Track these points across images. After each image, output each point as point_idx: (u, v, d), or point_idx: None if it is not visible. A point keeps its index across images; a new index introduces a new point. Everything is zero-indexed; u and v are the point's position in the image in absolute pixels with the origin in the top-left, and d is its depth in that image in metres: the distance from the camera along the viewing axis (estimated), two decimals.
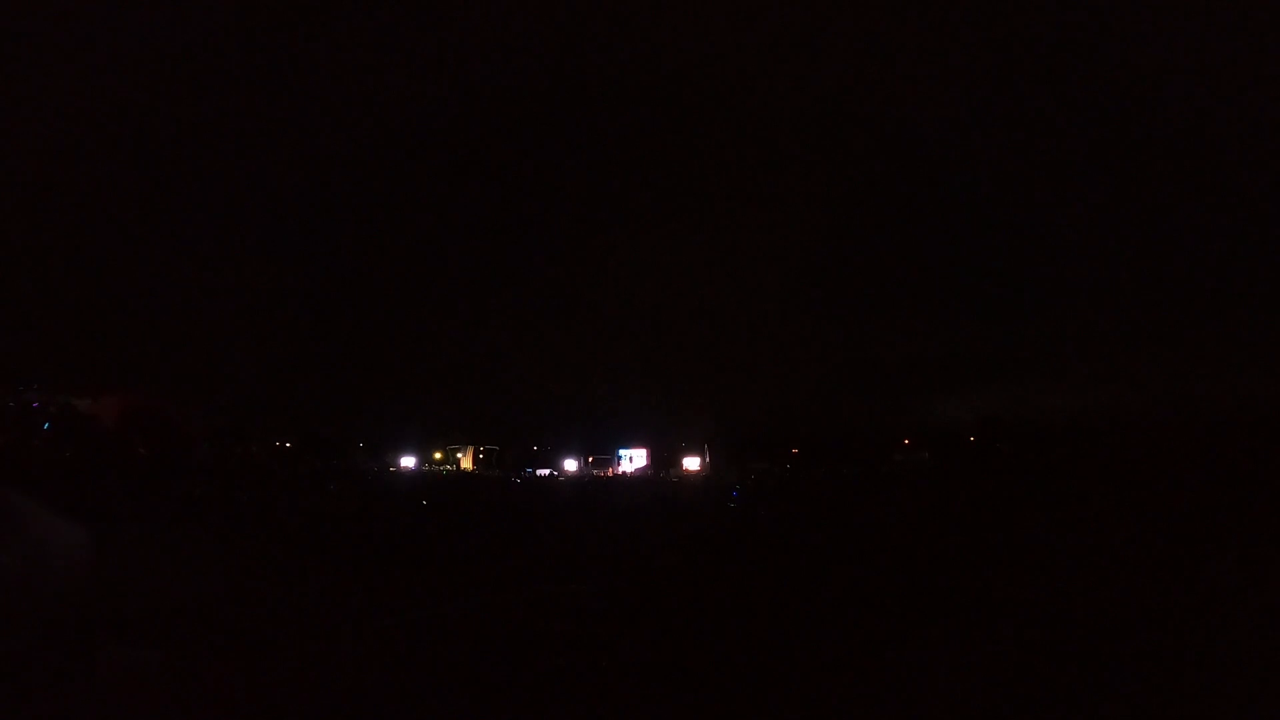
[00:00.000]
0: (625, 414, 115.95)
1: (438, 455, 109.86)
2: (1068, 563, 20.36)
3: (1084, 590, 16.58)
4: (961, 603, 16.40)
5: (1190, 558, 18.42)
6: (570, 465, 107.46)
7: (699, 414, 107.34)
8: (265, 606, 11.78)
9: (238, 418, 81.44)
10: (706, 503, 58.50)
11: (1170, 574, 17.16)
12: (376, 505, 44.16)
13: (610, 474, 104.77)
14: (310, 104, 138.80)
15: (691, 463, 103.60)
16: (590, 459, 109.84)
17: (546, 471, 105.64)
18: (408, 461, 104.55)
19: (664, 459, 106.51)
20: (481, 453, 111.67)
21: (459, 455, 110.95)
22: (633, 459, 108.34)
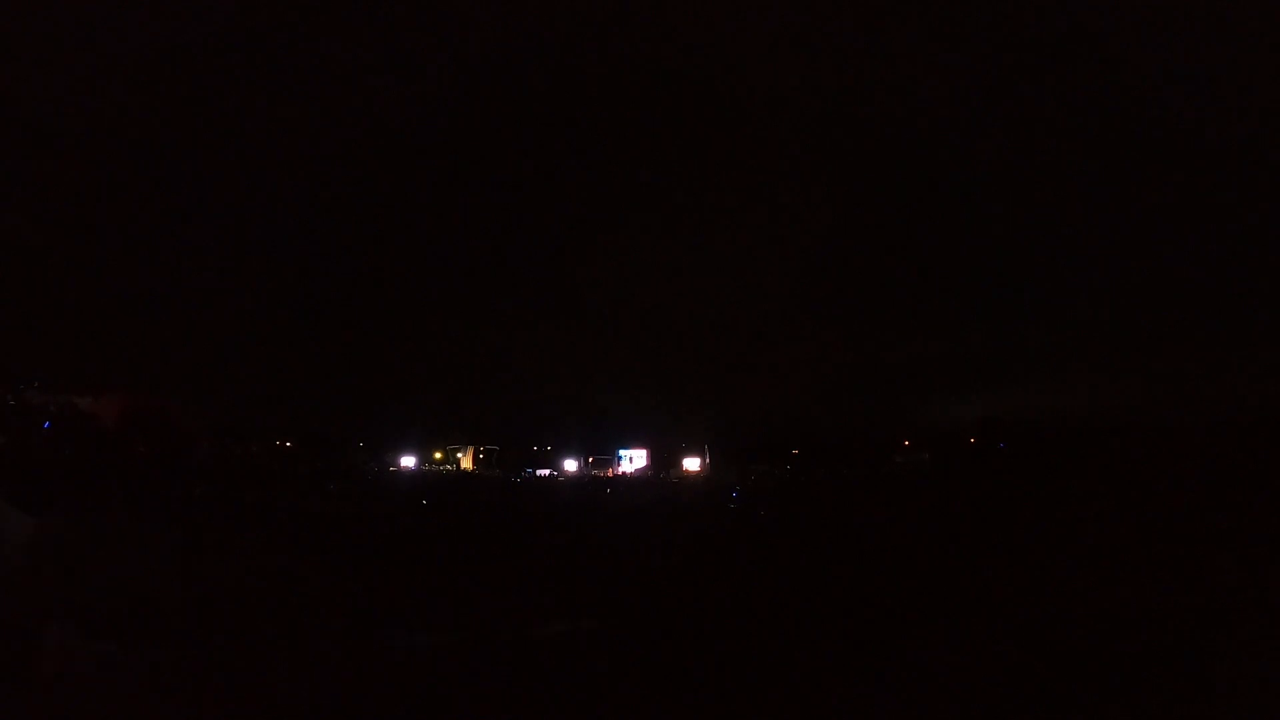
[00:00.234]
0: (625, 414, 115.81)
1: (438, 455, 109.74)
2: (1067, 563, 20.38)
3: (1084, 590, 16.59)
4: (961, 603, 16.42)
5: (1190, 558, 18.42)
6: (570, 465, 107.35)
7: (699, 415, 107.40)
8: (252, 604, 11.78)
9: (238, 417, 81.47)
10: (707, 503, 58.56)
11: (1170, 574, 17.16)
12: (376, 505, 44.20)
13: (610, 474, 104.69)
14: (310, 104, 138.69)
15: (692, 463, 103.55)
16: (590, 459, 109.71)
17: (546, 472, 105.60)
18: (408, 461, 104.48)
19: (664, 459, 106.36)
20: (481, 453, 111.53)
21: (459, 455, 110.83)
22: (633, 459, 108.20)
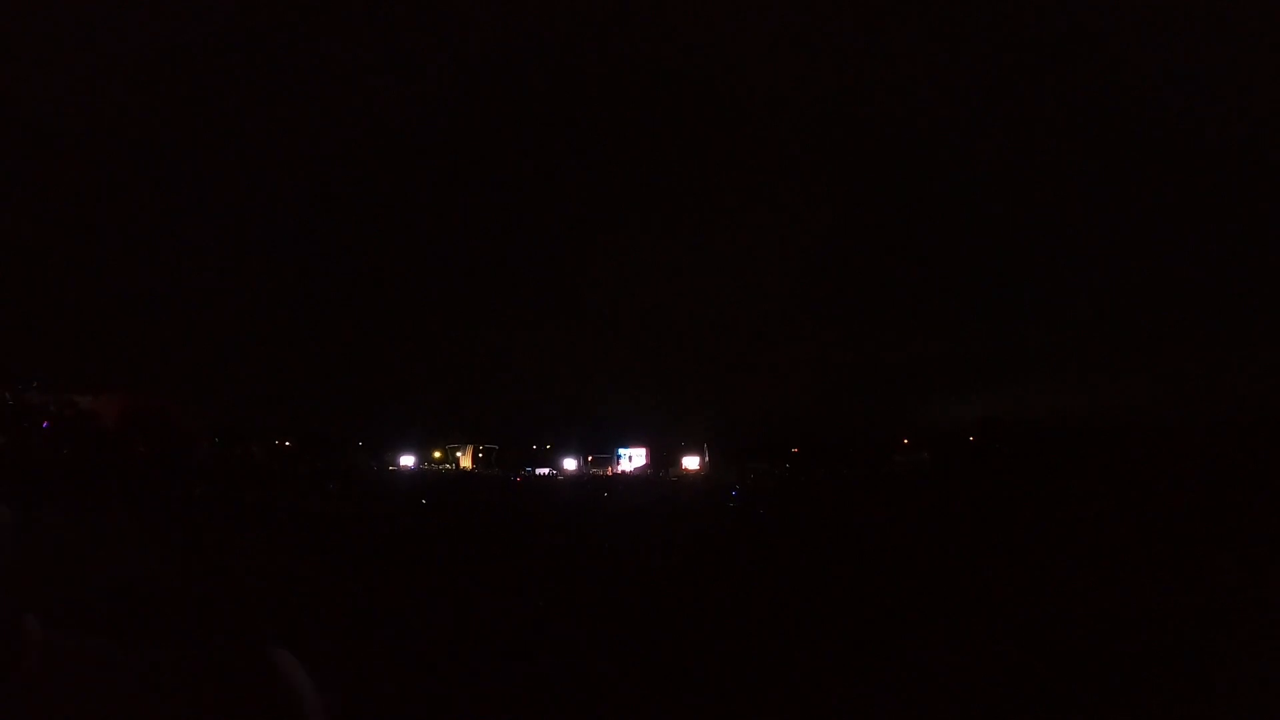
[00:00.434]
0: (625, 413, 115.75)
1: (437, 454, 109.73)
2: (1067, 563, 20.38)
3: (1084, 590, 16.59)
4: (961, 603, 16.42)
5: (1190, 558, 18.43)
6: (570, 464, 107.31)
7: (698, 414, 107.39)
8: (250, 602, 11.79)
9: (238, 417, 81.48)
10: (706, 502, 58.52)
11: (1170, 574, 17.17)
12: (376, 505, 44.17)
13: (610, 473, 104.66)
14: (311, 104, 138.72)
15: (691, 462, 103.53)
16: (590, 458, 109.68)
17: (546, 470, 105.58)
18: (407, 460, 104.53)
19: (663, 458, 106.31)
20: (481, 452, 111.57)
21: (458, 454, 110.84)
22: (632, 458, 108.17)
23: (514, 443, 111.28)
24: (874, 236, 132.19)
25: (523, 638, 12.76)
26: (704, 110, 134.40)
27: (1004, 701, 10.04)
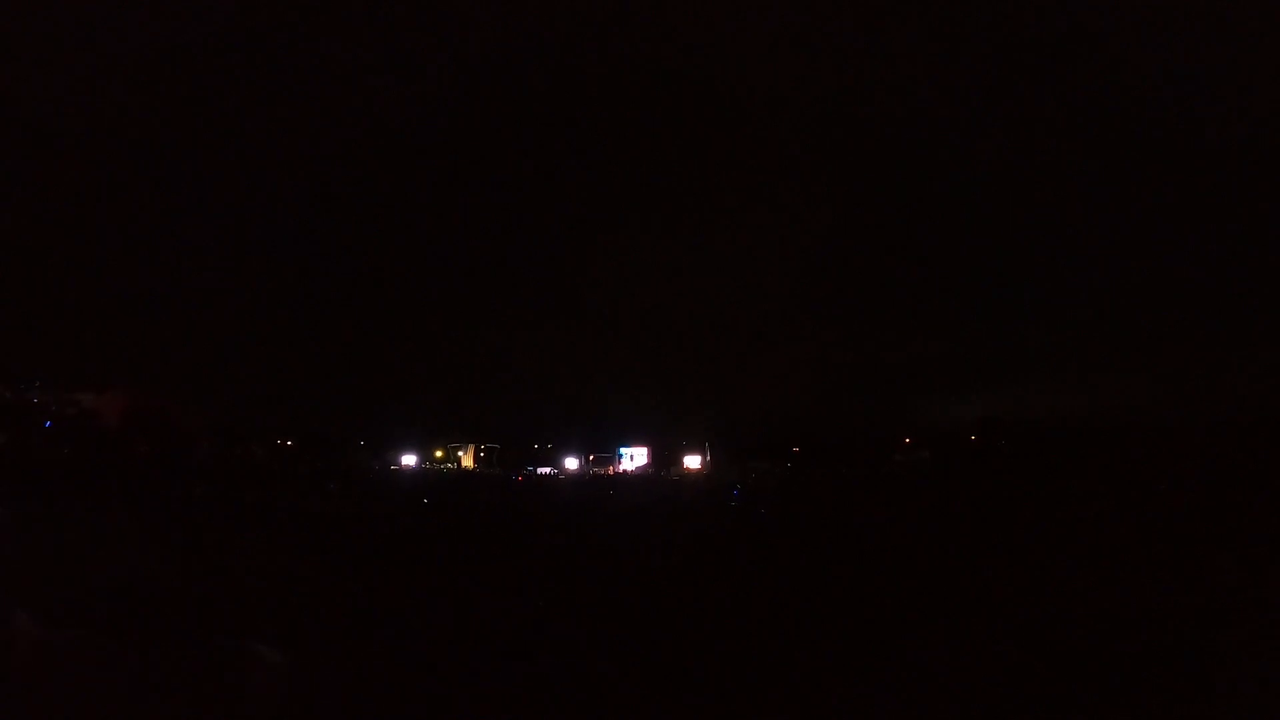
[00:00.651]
0: (626, 413, 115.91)
1: (439, 453, 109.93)
2: (1067, 563, 20.37)
3: (1084, 590, 16.59)
4: (961, 603, 16.41)
5: (1190, 558, 18.43)
6: (571, 463, 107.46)
7: (700, 413, 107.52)
8: (250, 602, 11.81)
9: (239, 417, 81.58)
10: (708, 502, 58.48)
11: (1170, 574, 17.17)
12: (377, 504, 44.14)
13: (611, 472, 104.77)
14: (311, 104, 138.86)
15: (692, 461, 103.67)
16: (591, 457, 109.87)
17: (548, 470, 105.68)
18: (409, 460, 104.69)
19: (665, 457, 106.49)
20: (482, 451, 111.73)
21: (460, 454, 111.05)
22: (634, 457, 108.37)
23: (516, 442, 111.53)
24: (874, 236, 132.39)
25: (523, 638, 12.75)
26: (704, 110, 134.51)
27: (1004, 701, 10.04)
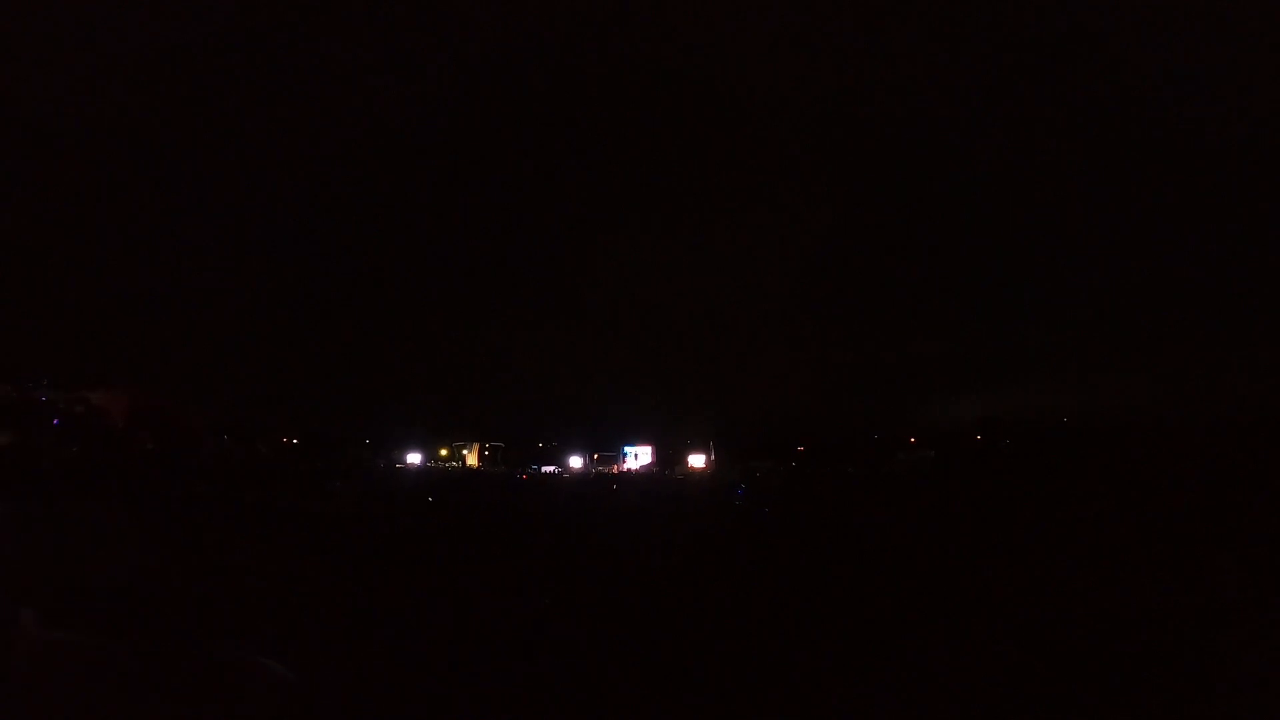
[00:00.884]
0: (630, 412, 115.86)
1: (443, 452, 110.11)
2: (1068, 563, 20.35)
3: (1084, 590, 16.59)
4: (961, 603, 16.43)
5: (1190, 558, 18.39)
6: (575, 462, 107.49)
7: (703, 412, 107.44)
8: (250, 601, 11.89)
9: (243, 416, 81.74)
10: (711, 501, 58.52)
11: (1170, 574, 17.14)
12: (381, 503, 44.27)
13: (615, 471, 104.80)
14: (312, 104, 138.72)
15: (696, 460, 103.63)
16: (595, 456, 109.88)
17: (552, 468, 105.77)
18: (414, 458, 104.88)
19: (669, 457, 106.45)
20: (487, 449, 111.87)
21: (465, 452, 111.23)
22: (638, 456, 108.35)
23: (520, 441, 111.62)
24: (874, 236, 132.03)
25: (523, 638, 12.82)
26: (704, 110, 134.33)
27: (1004, 701, 10.07)
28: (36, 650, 4.30)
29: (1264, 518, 21.76)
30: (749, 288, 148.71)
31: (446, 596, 16.03)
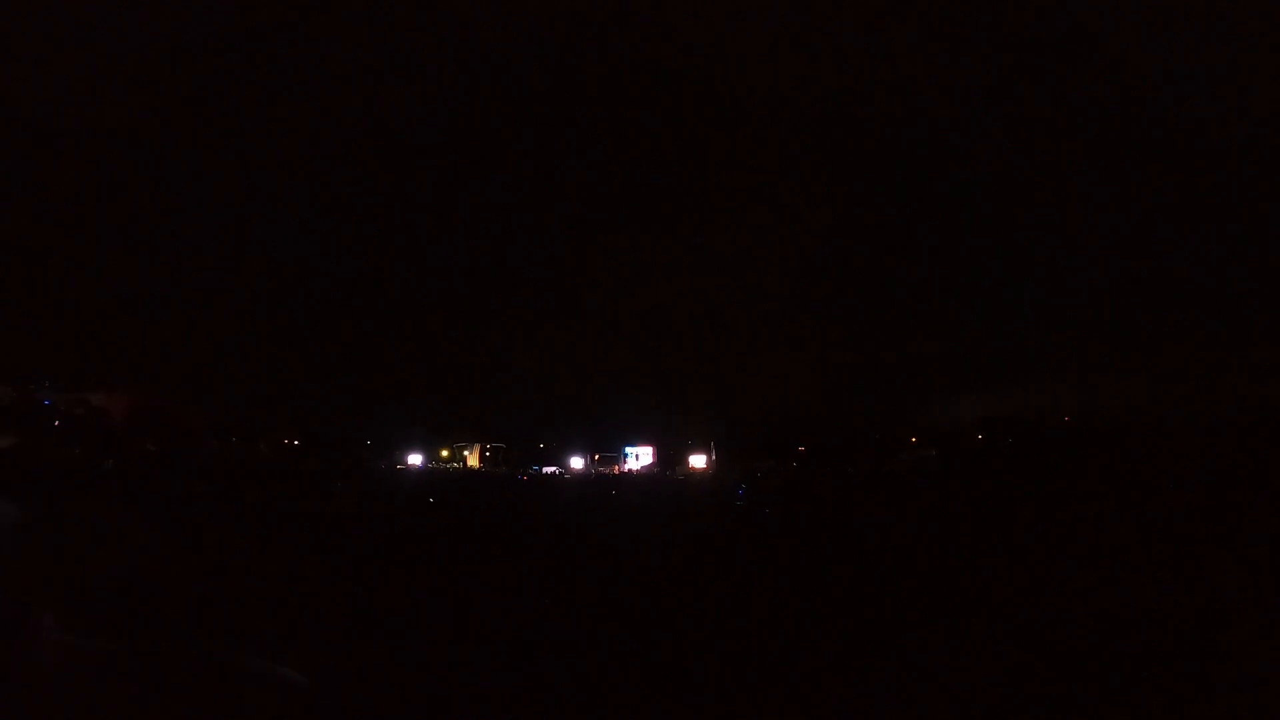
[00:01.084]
0: (631, 412, 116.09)
1: (444, 453, 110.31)
2: (1068, 563, 20.36)
3: (1084, 590, 16.58)
4: (961, 603, 16.43)
5: (1190, 558, 18.39)
6: (576, 463, 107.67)
7: (705, 412, 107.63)
8: (251, 602, 11.88)
9: (243, 416, 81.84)
10: (712, 502, 58.52)
11: (1170, 574, 17.14)
12: (381, 504, 44.31)
13: (616, 472, 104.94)
14: (312, 104, 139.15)
15: (697, 461, 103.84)
16: (596, 457, 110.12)
17: (553, 469, 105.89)
18: (415, 459, 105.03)
19: (670, 457, 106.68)
20: (488, 450, 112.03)
21: (466, 453, 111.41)
22: (639, 457, 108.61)
23: (521, 442, 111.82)
24: (874, 236, 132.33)
25: (523, 638, 12.83)
26: (704, 110, 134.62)
27: (1004, 701, 10.07)
28: (57, 655, 4.29)
29: (1264, 518, 21.74)
30: (749, 288, 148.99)
31: (447, 596, 16.05)
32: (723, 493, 66.62)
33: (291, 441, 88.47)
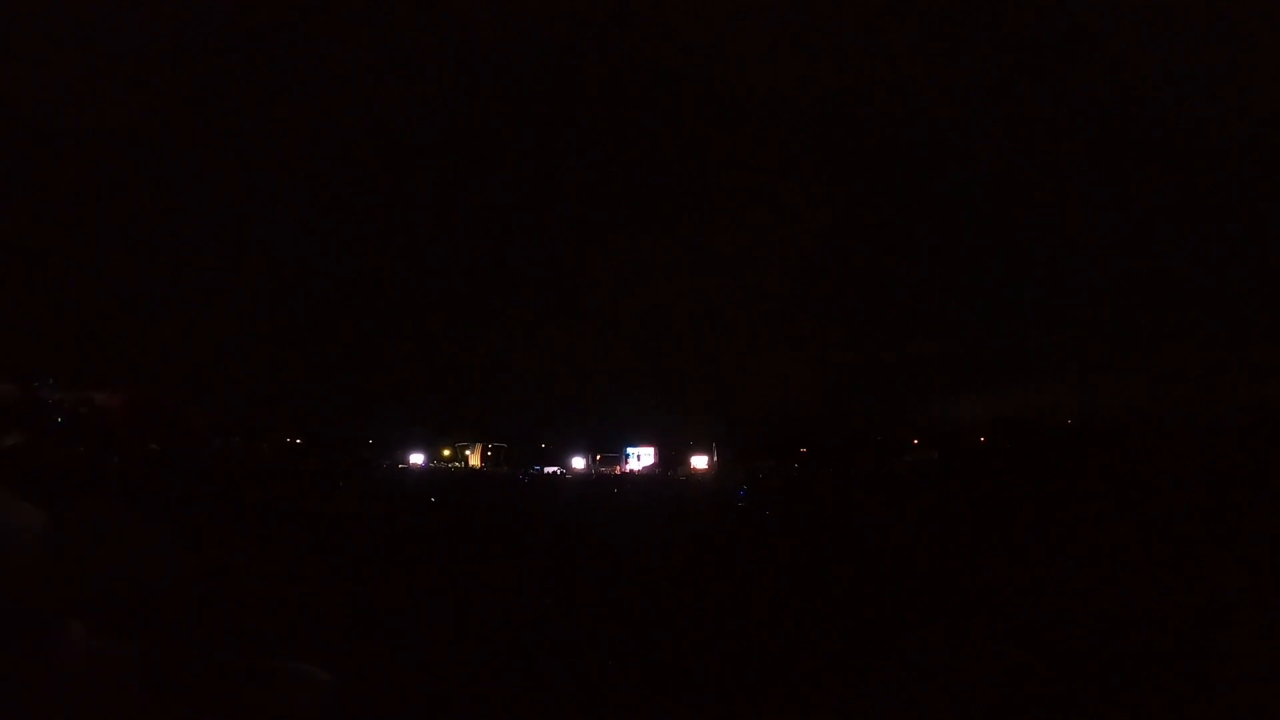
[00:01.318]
0: (633, 413, 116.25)
1: (446, 453, 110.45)
2: (1068, 563, 20.34)
3: (1084, 590, 16.58)
4: (961, 603, 16.44)
5: (1190, 558, 18.37)
6: (578, 463, 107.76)
7: (706, 413, 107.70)
8: (256, 603, 11.90)
9: (244, 416, 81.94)
10: (714, 501, 58.56)
11: (1170, 574, 17.13)
12: (383, 503, 44.35)
13: (618, 472, 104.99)
14: (313, 104, 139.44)
15: (699, 461, 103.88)
16: (598, 457, 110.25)
17: (554, 469, 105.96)
18: (416, 459, 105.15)
19: (671, 458, 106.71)
20: (490, 450, 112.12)
21: (467, 453, 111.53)
22: (640, 457, 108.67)
23: (523, 442, 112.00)
24: (874, 236, 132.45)
25: (524, 638, 12.85)
26: (704, 110, 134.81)
27: (1004, 701, 10.08)
28: (88, 661, 4.30)
29: (1264, 518, 21.70)
30: (750, 288, 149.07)
31: (447, 596, 16.07)
32: (724, 493, 66.66)
33: (293, 441, 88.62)
